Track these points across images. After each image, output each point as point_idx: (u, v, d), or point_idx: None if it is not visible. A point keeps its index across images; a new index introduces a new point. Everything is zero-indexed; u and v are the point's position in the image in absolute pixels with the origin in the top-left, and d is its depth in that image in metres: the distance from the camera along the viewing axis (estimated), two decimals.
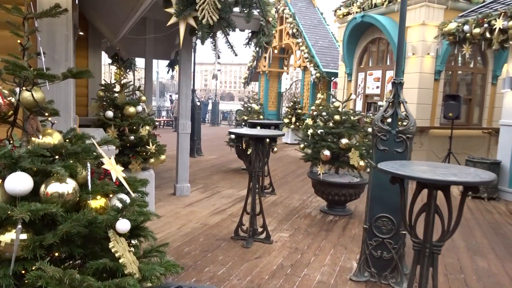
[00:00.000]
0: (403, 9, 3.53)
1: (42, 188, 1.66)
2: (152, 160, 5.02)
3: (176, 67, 11.33)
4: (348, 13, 11.27)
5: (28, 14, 1.95)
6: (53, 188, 1.66)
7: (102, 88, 5.31)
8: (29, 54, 1.92)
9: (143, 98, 5.43)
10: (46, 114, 1.83)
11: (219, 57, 2.79)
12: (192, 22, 1.60)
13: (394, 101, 3.40)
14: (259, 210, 4.36)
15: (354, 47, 10.96)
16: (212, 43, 1.67)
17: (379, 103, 9.54)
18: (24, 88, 1.79)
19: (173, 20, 1.60)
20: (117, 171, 2.02)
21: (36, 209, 1.53)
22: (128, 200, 1.97)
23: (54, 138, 1.91)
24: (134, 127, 4.99)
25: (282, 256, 3.93)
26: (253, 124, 7.58)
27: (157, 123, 6.65)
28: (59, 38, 2.38)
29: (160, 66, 27.50)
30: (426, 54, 8.81)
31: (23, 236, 1.55)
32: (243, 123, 8.86)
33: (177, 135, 6.14)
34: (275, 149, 7.30)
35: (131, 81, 5.80)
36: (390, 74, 9.71)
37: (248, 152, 7.56)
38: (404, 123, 3.49)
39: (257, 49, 5.67)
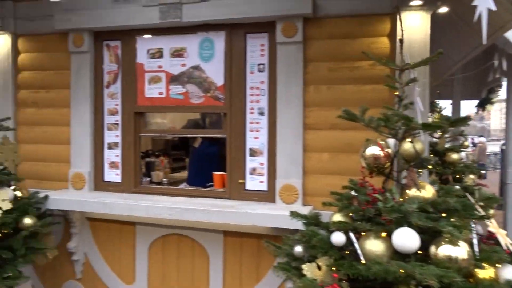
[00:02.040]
0: None
1: (433, 248, 1.52)
2: None
3: (487, 106, 10.02)
4: None
5: (404, 65, 1.95)
6: (445, 250, 1.49)
7: None
8: (404, 105, 1.90)
9: (466, 143, 4.89)
10: (429, 166, 1.73)
11: None
12: None
13: None
14: None
15: None
16: None
17: None
18: (407, 140, 1.75)
19: None
20: (503, 236, 1.69)
21: (436, 274, 1.38)
22: None
23: (427, 191, 1.78)
24: (457, 176, 4.51)
25: None
26: None
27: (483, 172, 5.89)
28: (419, 86, 2.32)
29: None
30: None
31: None
32: None
33: (504, 186, 5.22)
34: None
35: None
36: None
37: None
38: None
39: None
